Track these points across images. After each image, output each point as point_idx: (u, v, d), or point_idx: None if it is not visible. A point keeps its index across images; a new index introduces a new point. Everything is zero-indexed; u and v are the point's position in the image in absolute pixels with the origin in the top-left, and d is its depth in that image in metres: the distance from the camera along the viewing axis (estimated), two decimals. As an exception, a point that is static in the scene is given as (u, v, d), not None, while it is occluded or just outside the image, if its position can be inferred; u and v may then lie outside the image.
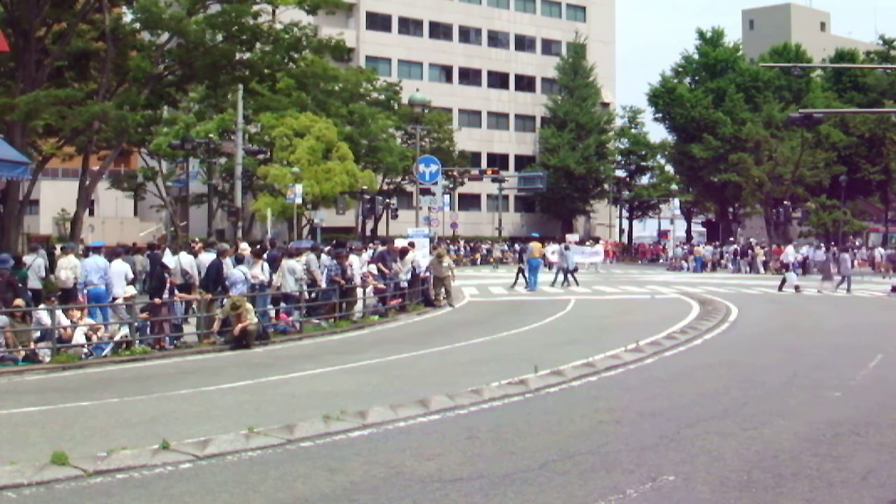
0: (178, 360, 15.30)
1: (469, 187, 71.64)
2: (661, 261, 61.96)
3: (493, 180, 65.52)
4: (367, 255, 25.11)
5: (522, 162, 79.00)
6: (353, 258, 22.30)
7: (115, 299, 17.20)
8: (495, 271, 49.94)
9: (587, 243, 54.62)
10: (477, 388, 11.53)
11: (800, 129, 55.74)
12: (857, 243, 61.99)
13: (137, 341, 15.98)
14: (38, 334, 15.29)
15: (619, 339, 16.49)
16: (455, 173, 64.14)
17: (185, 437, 8.93)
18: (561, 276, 34.49)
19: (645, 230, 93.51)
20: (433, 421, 9.94)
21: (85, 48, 31.06)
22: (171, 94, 34.52)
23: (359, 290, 22.16)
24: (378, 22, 73.58)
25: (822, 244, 48.23)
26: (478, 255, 60.64)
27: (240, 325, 16.41)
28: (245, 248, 21.19)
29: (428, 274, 25.97)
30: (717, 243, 58.85)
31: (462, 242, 62.97)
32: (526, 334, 18.97)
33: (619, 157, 79.41)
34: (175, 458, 8.17)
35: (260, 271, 19.38)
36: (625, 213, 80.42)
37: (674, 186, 77.65)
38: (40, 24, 28.03)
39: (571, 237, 60.24)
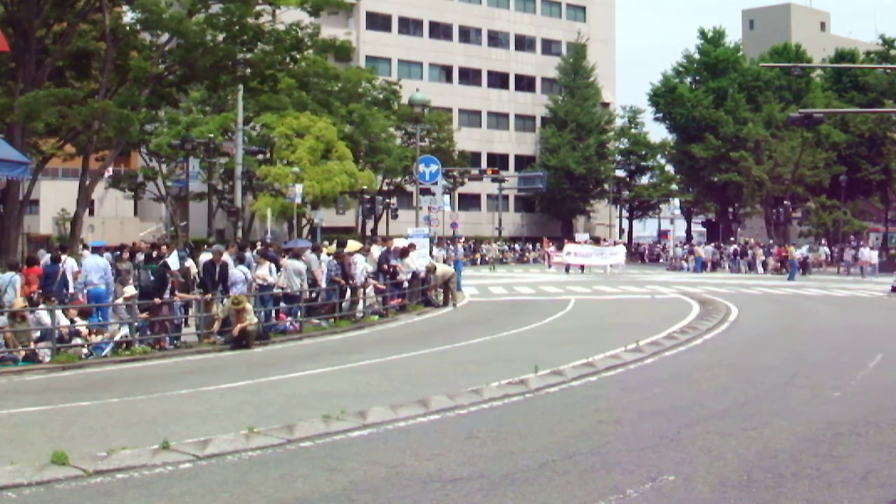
0: (178, 360, 15.30)
1: (469, 187, 71.60)
2: (661, 260, 62.05)
3: (493, 180, 65.49)
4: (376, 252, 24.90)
5: (522, 162, 78.98)
6: (357, 258, 22.29)
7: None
8: (493, 272, 49.90)
9: (606, 242, 54.04)
10: (477, 388, 11.52)
11: (800, 129, 55.73)
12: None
13: (137, 341, 15.98)
14: (38, 334, 15.30)
15: (619, 339, 16.48)
16: (455, 173, 64.10)
17: (185, 437, 8.93)
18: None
19: (645, 230, 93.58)
20: (433, 421, 9.94)
21: (85, 48, 31.06)
22: (171, 94, 34.51)
23: (359, 290, 22.13)
24: (378, 22, 73.56)
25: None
26: (478, 255, 60.65)
27: (239, 325, 16.41)
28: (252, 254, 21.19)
29: (428, 274, 25.92)
30: (718, 244, 58.80)
31: (462, 241, 62.94)
32: (526, 334, 18.97)
33: (619, 157, 79.40)
34: (175, 458, 8.17)
35: (267, 273, 19.36)
36: (625, 213, 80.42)
37: (674, 186, 77.66)
38: (41, 24, 28.03)
39: (581, 237, 59.95)
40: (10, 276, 16.46)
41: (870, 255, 45.39)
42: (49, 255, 19.32)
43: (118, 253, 22.23)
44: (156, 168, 54.87)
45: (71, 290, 17.69)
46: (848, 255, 48.34)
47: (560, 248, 53.03)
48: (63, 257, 18.83)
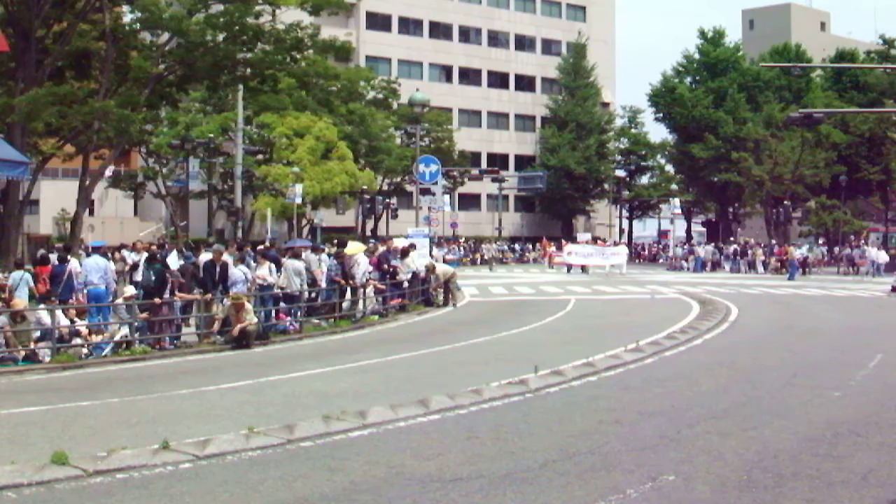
0: (178, 360, 15.30)
1: (469, 187, 71.61)
2: (661, 260, 62.07)
3: (493, 180, 65.46)
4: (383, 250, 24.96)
5: (522, 162, 78.98)
6: (360, 258, 22.29)
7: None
8: (492, 272, 49.86)
9: (605, 242, 53.87)
10: (477, 388, 11.52)
11: (800, 129, 55.69)
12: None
13: (137, 341, 15.98)
14: (38, 334, 15.31)
15: (619, 339, 16.47)
16: (455, 173, 64.11)
17: (185, 437, 8.93)
18: None
19: (645, 230, 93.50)
20: (433, 421, 9.94)
21: (85, 48, 31.07)
22: (171, 94, 34.52)
23: (360, 290, 22.14)
24: (378, 22, 73.56)
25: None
26: (478, 255, 60.67)
27: (239, 326, 16.41)
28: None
29: (428, 274, 25.93)
30: (718, 244, 58.77)
31: (462, 241, 62.93)
32: (526, 334, 18.96)
33: (619, 157, 79.40)
34: (175, 457, 8.17)
35: (267, 273, 19.36)
36: (625, 213, 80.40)
37: (674, 186, 77.60)
38: (40, 24, 28.03)
39: (583, 236, 59.81)
40: (21, 274, 16.54)
41: (877, 254, 45.24)
42: (56, 256, 19.48)
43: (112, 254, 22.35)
44: (156, 168, 54.88)
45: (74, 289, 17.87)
46: (844, 255, 48.19)
47: (560, 248, 52.90)
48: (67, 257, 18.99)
